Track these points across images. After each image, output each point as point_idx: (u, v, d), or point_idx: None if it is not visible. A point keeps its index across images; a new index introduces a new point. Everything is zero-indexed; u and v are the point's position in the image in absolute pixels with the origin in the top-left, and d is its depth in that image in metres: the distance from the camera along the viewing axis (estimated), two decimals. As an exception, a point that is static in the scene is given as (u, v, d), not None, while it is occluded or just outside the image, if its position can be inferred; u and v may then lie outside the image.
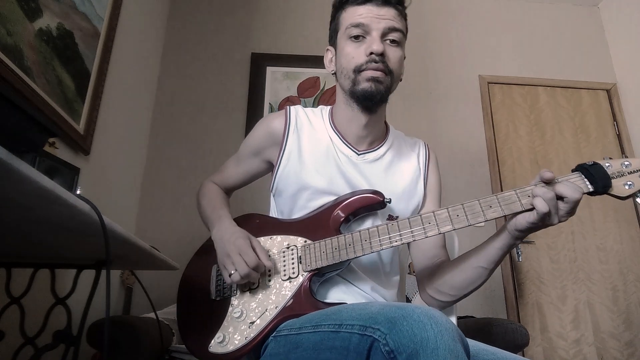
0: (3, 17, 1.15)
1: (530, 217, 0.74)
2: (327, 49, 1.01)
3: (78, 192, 0.83)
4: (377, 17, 0.89)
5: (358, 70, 0.90)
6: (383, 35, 0.89)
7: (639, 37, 2.72)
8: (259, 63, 2.64)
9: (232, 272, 0.83)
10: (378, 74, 0.88)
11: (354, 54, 0.91)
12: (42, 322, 0.90)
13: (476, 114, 2.71)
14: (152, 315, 1.39)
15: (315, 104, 2.58)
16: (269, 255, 0.89)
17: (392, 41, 0.90)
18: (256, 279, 0.87)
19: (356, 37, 0.91)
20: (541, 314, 2.39)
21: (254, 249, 0.86)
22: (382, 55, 0.88)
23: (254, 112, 2.51)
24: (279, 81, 2.61)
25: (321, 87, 2.61)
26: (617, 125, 2.78)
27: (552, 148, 2.71)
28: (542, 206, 0.71)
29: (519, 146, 2.70)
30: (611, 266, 2.50)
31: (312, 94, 2.60)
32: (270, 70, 2.63)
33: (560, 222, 0.74)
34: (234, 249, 0.85)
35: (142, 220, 2.28)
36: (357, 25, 0.90)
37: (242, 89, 2.59)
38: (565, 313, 2.40)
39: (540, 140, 2.73)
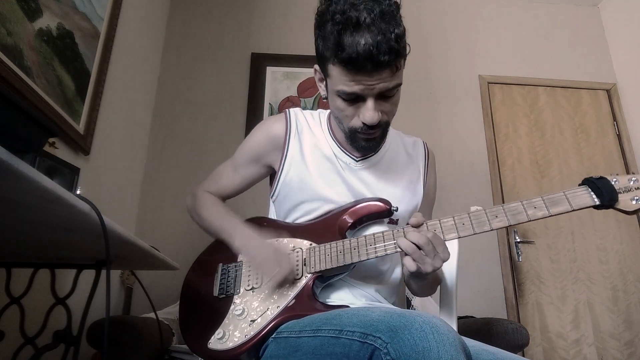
0: (3, 17, 1.15)
1: (405, 270, 0.80)
2: (315, 70, 0.92)
3: (78, 192, 0.83)
4: (369, 86, 0.79)
5: (354, 131, 0.88)
6: (378, 97, 0.82)
7: (639, 37, 2.72)
8: (259, 63, 2.64)
9: (276, 270, 0.84)
10: (374, 135, 0.89)
11: (347, 112, 0.85)
12: (42, 322, 0.90)
13: (476, 114, 2.71)
14: (152, 315, 1.39)
15: (315, 104, 2.58)
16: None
17: (388, 96, 0.84)
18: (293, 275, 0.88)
19: (346, 100, 0.84)
20: (541, 314, 2.39)
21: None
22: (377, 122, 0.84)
23: (254, 112, 2.51)
24: (279, 81, 2.61)
25: (321, 87, 2.61)
26: (617, 125, 2.77)
27: (552, 148, 2.70)
28: (410, 265, 0.77)
29: (519, 146, 2.70)
30: (611, 266, 2.50)
31: (312, 94, 2.60)
32: (270, 70, 2.63)
33: (436, 268, 0.77)
34: (269, 254, 0.88)
35: (142, 220, 2.28)
36: (349, 94, 0.81)
37: (242, 89, 2.58)
38: (565, 313, 2.39)
39: (540, 140, 2.72)
